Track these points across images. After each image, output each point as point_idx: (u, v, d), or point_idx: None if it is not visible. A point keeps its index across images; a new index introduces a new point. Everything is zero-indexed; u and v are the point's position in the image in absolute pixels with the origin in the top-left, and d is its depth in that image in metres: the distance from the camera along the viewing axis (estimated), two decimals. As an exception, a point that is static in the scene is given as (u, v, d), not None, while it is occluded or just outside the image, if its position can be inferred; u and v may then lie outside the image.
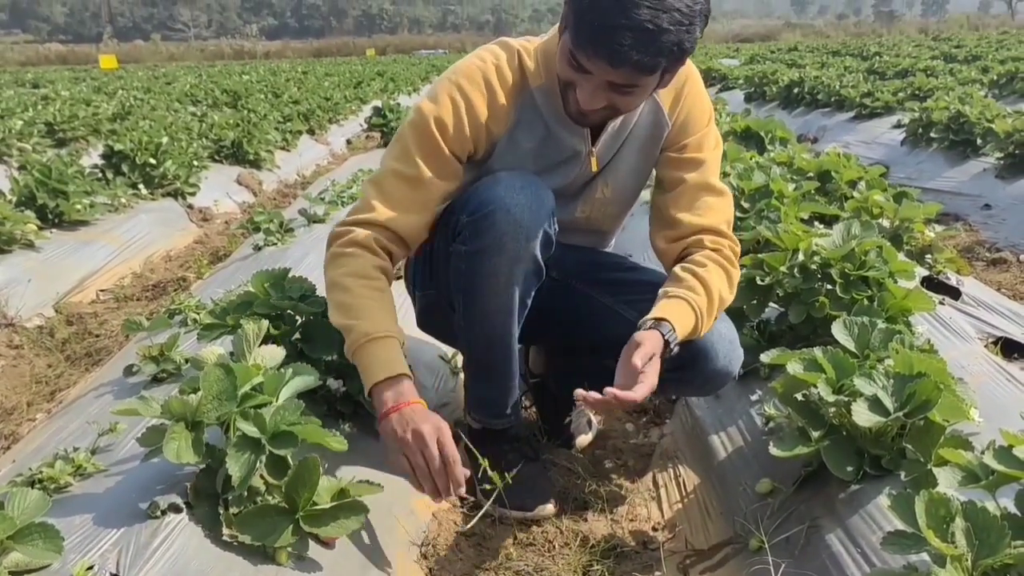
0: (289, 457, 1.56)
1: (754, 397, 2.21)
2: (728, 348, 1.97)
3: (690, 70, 2.00)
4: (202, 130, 7.44)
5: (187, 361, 2.13)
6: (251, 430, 1.53)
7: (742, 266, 2.23)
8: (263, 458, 1.53)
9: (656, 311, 1.81)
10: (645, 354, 1.71)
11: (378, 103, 9.25)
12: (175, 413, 1.53)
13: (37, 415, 2.75)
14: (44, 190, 4.31)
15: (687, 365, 1.90)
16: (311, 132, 9.76)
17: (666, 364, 1.80)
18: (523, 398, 2.41)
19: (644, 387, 1.70)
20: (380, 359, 1.76)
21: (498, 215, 1.78)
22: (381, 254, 1.87)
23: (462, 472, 1.72)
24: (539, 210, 1.82)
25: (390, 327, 1.80)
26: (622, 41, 1.56)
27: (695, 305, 1.83)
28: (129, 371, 2.21)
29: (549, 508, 2.07)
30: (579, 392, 1.69)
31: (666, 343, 1.76)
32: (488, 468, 1.92)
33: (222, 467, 1.51)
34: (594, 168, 1.98)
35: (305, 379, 1.70)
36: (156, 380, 2.14)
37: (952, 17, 69.79)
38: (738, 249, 2.02)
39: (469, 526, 2.02)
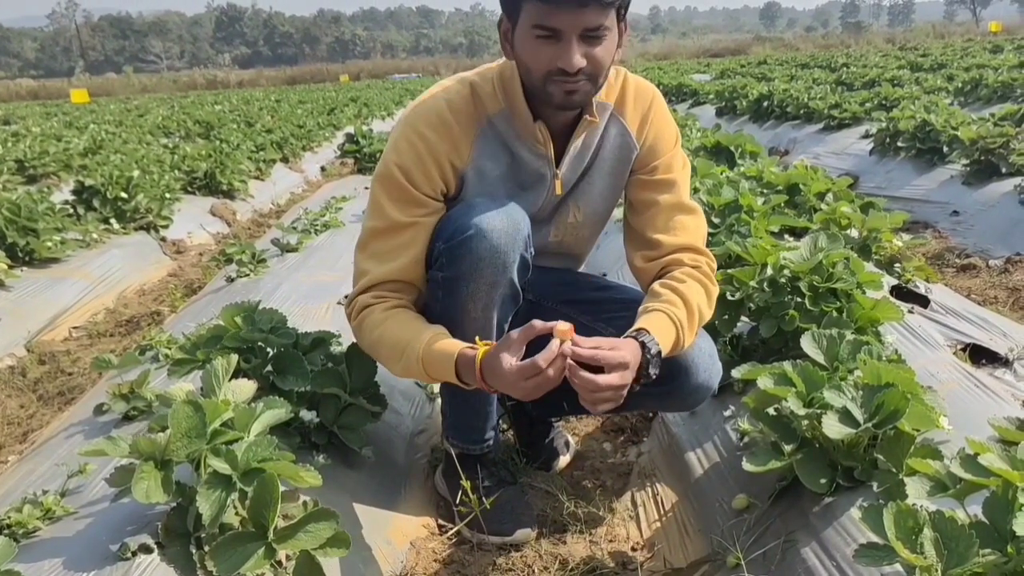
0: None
1: (728, 412, 2.22)
2: (708, 363, 1.98)
3: (655, 94, 2.04)
4: (174, 162, 7.40)
5: (157, 397, 2.12)
6: (222, 467, 1.52)
7: (713, 281, 2.25)
8: (234, 495, 1.51)
9: (636, 324, 1.81)
10: (616, 343, 1.70)
11: (351, 129, 9.25)
12: (144, 452, 1.51)
13: (9, 457, 2.71)
14: (14, 228, 4.28)
15: (668, 380, 1.91)
16: (285, 160, 9.75)
17: (647, 380, 1.80)
18: (500, 421, 2.41)
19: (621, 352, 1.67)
20: (438, 359, 1.76)
21: (475, 241, 1.79)
22: (390, 300, 1.90)
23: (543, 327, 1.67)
24: (515, 235, 1.83)
25: (424, 332, 1.81)
26: None
27: (674, 317, 1.83)
28: (100, 410, 2.20)
29: (528, 532, 2.06)
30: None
31: (644, 346, 1.73)
32: (468, 492, 1.93)
33: (193, 505, 1.50)
34: (558, 191, 1.99)
35: (276, 412, 1.69)
36: (127, 418, 2.12)
37: (918, 26, 70.89)
38: (714, 265, 2.04)
39: (449, 534, 2.05)
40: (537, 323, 1.67)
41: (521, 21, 1.74)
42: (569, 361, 1.64)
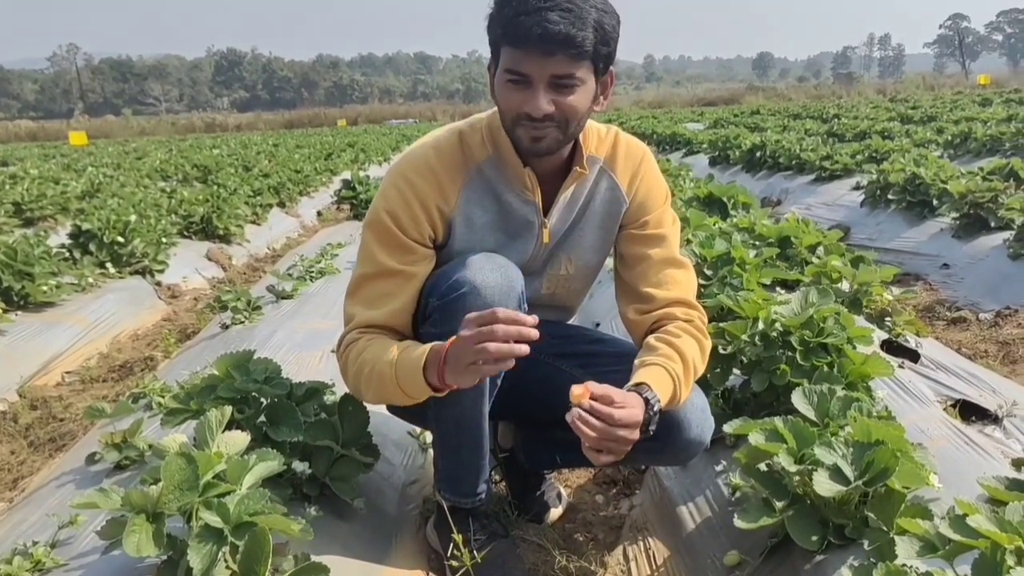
0: (252, 546, 1.54)
1: (720, 467, 2.23)
2: (700, 417, 1.99)
3: (645, 153, 2.08)
4: (171, 206, 7.45)
5: (150, 447, 2.12)
6: (214, 520, 1.52)
7: (705, 334, 2.27)
8: (226, 548, 1.51)
9: (636, 378, 1.82)
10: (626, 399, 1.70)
11: (348, 175, 9.33)
12: (135, 505, 1.51)
13: (-1, 504, 2.70)
14: (9, 272, 4.29)
15: (661, 435, 1.91)
16: (282, 205, 9.80)
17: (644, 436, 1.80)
18: (492, 473, 2.41)
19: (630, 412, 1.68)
20: (410, 361, 1.77)
21: (469, 298, 1.80)
22: (372, 334, 1.91)
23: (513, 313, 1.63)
24: (509, 292, 1.85)
25: (398, 344, 1.83)
26: (550, 20, 1.66)
27: (673, 372, 1.84)
28: (91, 459, 2.19)
29: (519, 587, 2.05)
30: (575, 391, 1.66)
31: (647, 402, 1.74)
32: (459, 546, 1.92)
33: (184, 559, 1.49)
34: (546, 240, 2.02)
35: (268, 465, 1.69)
36: (119, 468, 2.12)
37: (909, 78, 71.84)
38: (706, 319, 2.06)
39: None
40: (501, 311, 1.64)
41: (499, 66, 1.79)
42: (582, 410, 1.64)
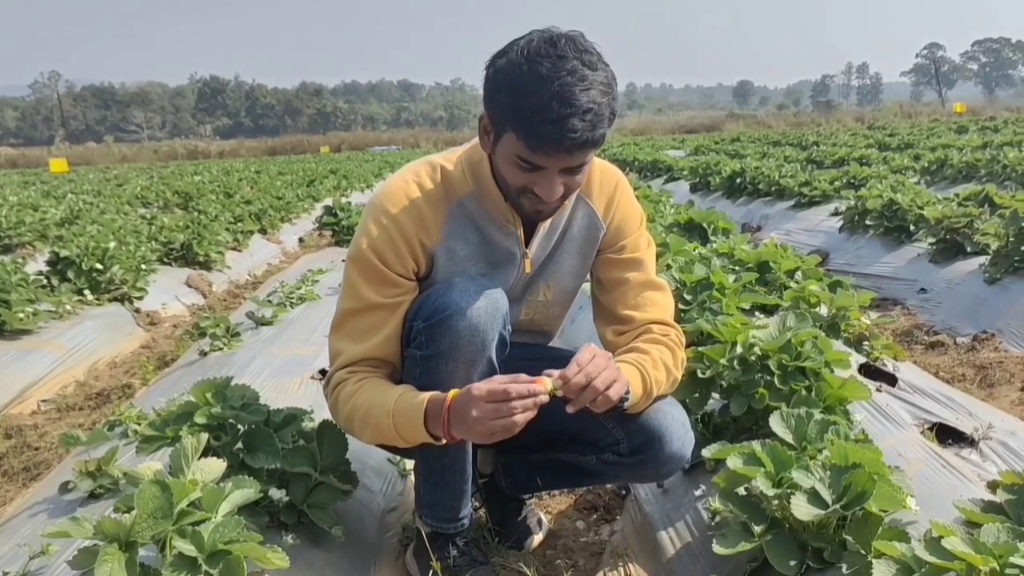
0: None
1: (699, 491, 2.22)
2: (681, 431, 2.01)
3: (619, 178, 2.10)
4: (151, 233, 7.41)
5: (125, 475, 2.09)
6: (188, 548, 1.50)
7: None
8: (199, 577, 1.49)
9: None
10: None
11: (330, 201, 9.33)
12: (108, 534, 1.49)
13: (-30, 535, 2.65)
14: (-14, 299, 4.25)
15: (643, 449, 1.94)
16: (263, 231, 9.79)
17: (622, 450, 1.81)
18: (473, 499, 2.39)
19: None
20: (408, 410, 1.78)
21: (455, 320, 1.82)
22: (363, 373, 1.92)
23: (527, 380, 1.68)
24: (495, 313, 1.86)
25: (395, 390, 1.85)
26: (574, 128, 1.63)
27: (636, 363, 1.88)
28: (65, 488, 2.16)
29: (498, 614, 2.03)
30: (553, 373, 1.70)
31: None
32: (438, 573, 1.91)
33: (156, 588, 1.47)
34: (528, 270, 2.03)
35: (245, 492, 1.68)
36: (93, 496, 2.09)
37: (886, 106, 72.82)
38: (683, 338, 2.09)
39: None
40: (524, 376, 1.69)
41: (504, 142, 1.75)
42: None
